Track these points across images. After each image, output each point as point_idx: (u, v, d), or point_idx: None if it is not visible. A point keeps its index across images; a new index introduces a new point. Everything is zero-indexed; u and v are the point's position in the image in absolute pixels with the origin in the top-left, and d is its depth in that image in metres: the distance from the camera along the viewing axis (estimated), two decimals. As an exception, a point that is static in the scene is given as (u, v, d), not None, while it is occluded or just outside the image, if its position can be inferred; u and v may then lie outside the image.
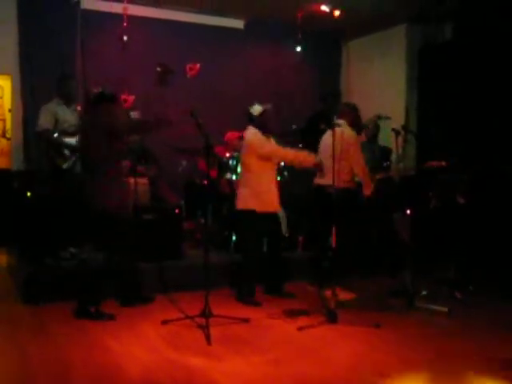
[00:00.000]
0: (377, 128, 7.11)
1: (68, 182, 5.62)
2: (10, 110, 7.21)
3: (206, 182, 5.97)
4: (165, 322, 4.63)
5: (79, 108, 6.04)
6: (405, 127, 5.69)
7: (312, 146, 5.97)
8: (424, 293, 5.54)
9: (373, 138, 7.17)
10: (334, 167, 4.87)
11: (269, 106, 5.49)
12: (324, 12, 7.62)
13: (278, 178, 5.59)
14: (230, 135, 6.91)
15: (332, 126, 4.97)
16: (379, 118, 5.61)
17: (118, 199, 4.80)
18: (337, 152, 4.94)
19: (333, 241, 4.82)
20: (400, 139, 5.40)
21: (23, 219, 6.03)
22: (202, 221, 6.76)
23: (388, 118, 5.65)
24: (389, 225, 6.43)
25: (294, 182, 6.48)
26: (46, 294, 5.16)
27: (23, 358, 3.95)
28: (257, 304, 5.30)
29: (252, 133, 5.42)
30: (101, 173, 4.77)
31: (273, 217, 5.47)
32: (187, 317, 4.73)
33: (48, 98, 5.91)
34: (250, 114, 5.43)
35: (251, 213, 5.37)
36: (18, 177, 6.68)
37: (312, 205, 6.08)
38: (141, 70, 7.03)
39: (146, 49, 7.39)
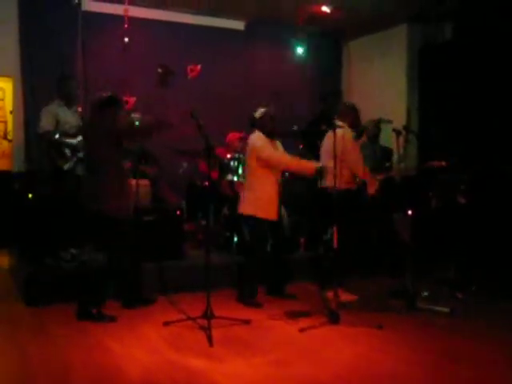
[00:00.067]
0: (378, 128, 7.10)
1: (69, 183, 5.63)
2: (11, 112, 7.21)
3: (207, 184, 5.97)
4: (166, 324, 4.63)
5: (80, 109, 6.05)
6: (406, 127, 5.68)
7: (313, 147, 5.97)
8: (425, 293, 5.54)
9: (374, 138, 7.17)
10: (335, 168, 4.87)
11: (268, 109, 5.50)
12: (324, 12, 7.63)
13: (280, 179, 5.56)
14: (231, 136, 6.93)
15: (333, 128, 4.97)
16: (380, 121, 5.59)
17: (119, 201, 4.81)
18: (338, 153, 4.94)
19: (334, 241, 4.82)
20: (401, 139, 5.40)
21: (24, 220, 6.04)
22: (204, 222, 6.77)
23: (389, 121, 5.62)
24: (389, 225, 6.43)
25: (294, 182, 6.47)
26: (47, 295, 5.17)
27: (23, 358, 3.95)
28: (258, 305, 5.30)
29: (255, 136, 5.44)
30: (104, 174, 4.78)
31: (274, 222, 5.47)
32: (189, 318, 4.73)
33: (48, 99, 5.91)
34: (253, 118, 5.45)
35: (252, 218, 5.40)
36: (19, 178, 6.69)
37: (313, 205, 6.09)
38: (141, 71, 7.04)
39: (147, 50, 7.40)
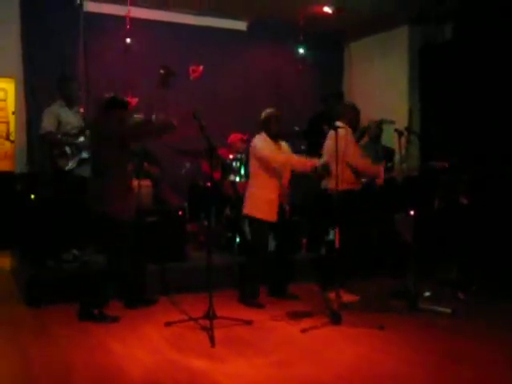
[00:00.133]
0: (379, 129, 7.10)
1: (71, 184, 5.63)
2: (13, 113, 7.22)
3: (209, 184, 5.97)
4: (168, 324, 4.64)
5: (82, 110, 6.06)
6: (408, 128, 5.68)
7: (315, 147, 5.96)
8: (427, 294, 5.54)
9: (376, 138, 7.16)
10: (336, 169, 4.88)
11: (272, 110, 5.51)
12: (326, 13, 7.64)
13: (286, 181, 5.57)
14: (234, 137, 6.93)
15: (335, 128, 4.98)
16: (382, 122, 5.59)
17: (124, 203, 4.80)
18: (340, 153, 4.94)
19: (336, 242, 4.82)
20: (403, 140, 5.40)
21: (26, 221, 6.05)
22: (206, 223, 6.77)
23: (392, 122, 5.62)
24: (391, 225, 6.43)
25: (295, 182, 6.47)
26: (48, 296, 5.18)
27: (25, 359, 3.96)
28: (260, 306, 5.30)
29: (258, 137, 5.47)
30: (109, 176, 4.78)
31: (276, 224, 5.47)
32: (191, 319, 4.73)
33: (50, 100, 5.92)
34: (260, 120, 5.49)
35: (253, 219, 5.43)
36: (22, 179, 6.69)
37: (314, 206, 6.09)
38: (143, 72, 7.04)
39: (149, 51, 7.40)
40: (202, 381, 3.64)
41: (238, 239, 6.48)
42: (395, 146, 6.06)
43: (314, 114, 7.53)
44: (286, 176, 5.53)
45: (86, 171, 5.60)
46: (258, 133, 5.51)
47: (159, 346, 4.24)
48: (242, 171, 6.39)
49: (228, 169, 6.55)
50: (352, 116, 5.73)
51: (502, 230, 6.27)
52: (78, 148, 5.71)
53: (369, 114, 6.73)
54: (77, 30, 7.13)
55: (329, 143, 5.52)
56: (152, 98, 6.49)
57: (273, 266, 5.63)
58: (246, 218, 5.62)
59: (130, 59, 7.11)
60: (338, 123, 5.31)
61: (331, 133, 5.35)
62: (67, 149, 5.67)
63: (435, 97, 7.76)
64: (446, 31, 7.92)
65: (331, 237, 5.42)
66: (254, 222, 5.44)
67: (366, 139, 6.87)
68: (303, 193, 6.52)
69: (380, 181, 5.61)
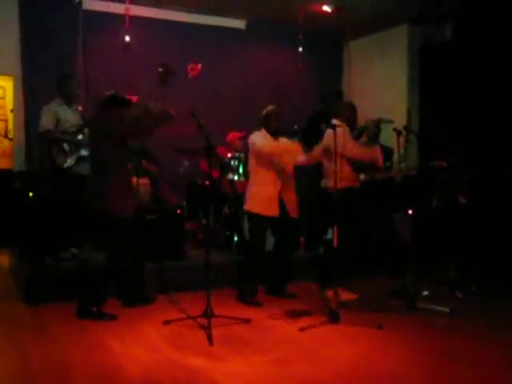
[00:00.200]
0: (378, 128, 7.09)
1: (69, 182, 5.63)
2: (11, 111, 7.21)
3: (207, 183, 5.97)
4: (166, 323, 4.64)
5: (80, 108, 6.06)
6: (406, 127, 5.68)
7: (314, 146, 5.96)
8: (425, 293, 5.54)
9: (374, 138, 7.13)
10: (335, 167, 4.88)
11: (273, 107, 5.53)
12: (325, 12, 7.64)
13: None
14: (232, 136, 6.93)
15: (332, 126, 4.99)
16: (381, 121, 5.59)
17: (124, 200, 4.80)
18: (338, 151, 4.95)
19: (334, 241, 4.82)
20: (402, 139, 5.40)
21: (24, 219, 6.04)
22: (204, 221, 6.77)
23: (391, 121, 5.63)
24: (389, 225, 6.43)
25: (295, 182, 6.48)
26: (47, 294, 5.18)
27: (23, 358, 3.95)
28: (258, 304, 5.31)
29: (257, 133, 5.48)
30: (109, 174, 4.78)
31: (276, 219, 5.47)
32: (189, 317, 4.73)
33: (49, 99, 5.92)
34: (260, 116, 5.51)
35: (252, 214, 5.44)
36: (20, 177, 6.68)
37: (313, 205, 6.09)
38: (142, 70, 7.02)
39: (148, 49, 7.39)
40: (199, 379, 3.64)
41: (236, 238, 6.48)
42: (394, 146, 6.06)
43: (313, 112, 7.53)
44: (291, 163, 5.52)
45: (84, 169, 5.61)
46: (259, 129, 5.52)
47: (157, 344, 4.24)
48: (241, 170, 6.39)
49: (226, 167, 6.55)
50: (349, 114, 5.75)
51: (502, 230, 6.28)
52: (77, 146, 5.71)
53: (368, 113, 6.72)
54: (76, 29, 7.11)
55: (326, 141, 5.52)
56: (151, 97, 6.48)
57: (271, 265, 5.63)
58: (246, 214, 5.66)
59: (129, 57, 7.10)
60: (335, 121, 5.33)
61: (329, 131, 5.36)
62: (65, 146, 5.66)
63: (435, 97, 7.76)
64: (446, 31, 7.91)
65: (329, 236, 5.43)
66: (253, 217, 5.46)
67: (364, 139, 6.85)
68: (302, 191, 6.52)
69: (379, 164, 5.60)
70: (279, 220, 5.44)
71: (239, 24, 8.42)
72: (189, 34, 7.87)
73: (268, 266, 5.61)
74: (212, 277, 4.72)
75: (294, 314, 4.99)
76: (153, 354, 4.04)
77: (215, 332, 4.33)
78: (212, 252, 5.05)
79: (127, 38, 7.13)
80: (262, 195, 5.39)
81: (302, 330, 4.57)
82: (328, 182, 5.37)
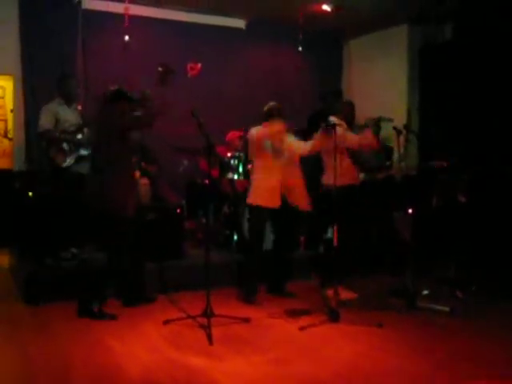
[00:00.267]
0: (378, 127, 7.09)
1: (69, 182, 5.62)
2: (11, 111, 7.20)
3: (207, 182, 5.97)
4: (166, 322, 4.64)
5: (80, 107, 6.06)
6: (406, 126, 5.68)
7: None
8: (425, 292, 5.54)
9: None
10: (335, 165, 4.88)
11: (274, 103, 5.57)
12: (325, 11, 7.64)
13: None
14: (232, 135, 6.92)
15: (331, 125, 4.99)
16: (380, 119, 5.59)
17: (125, 199, 4.79)
18: (339, 149, 4.96)
19: (334, 239, 4.82)
20: (402, 138, 5.40)
21: (24, 219, 6.04)
22: (204, 220, 6.77)
23: (390, 120, 5.63)
24: (390, 223, 6.43)
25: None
26: (47, 294, 5.17)
27: (24, 357, 3.96)
28: (258, 304, 5.30)
29: (256, 128, 5.49)
30: (111, 172, 4.77)
31: (277, 211, 5.47)
32: (189, 316, 4.73)
33: (49, 98, 5.92)
34: (262, 112, 5.54)
35: (252, 207, 5.45)
36: (20, 177, 6.68)
37: (313, 203, 6.08)
38: (142, 69, 7.01)
39: (147, 49, 7.38)
40: (199, 378, 3.64)
41: (235, 237, 6.48)
42: (394, 145, 6.06)
43: (312, 111, 7.53)
44: (296, 152, 5.53)
45: (84, 168, 5.62)
46: (261, 124, 5.52)
47: (157, 343, 4.24)
48: (241, 169, 6.39)
49: (226, 167, 6.55)
50: (347, 111, 5.76)
51: (502, 230, 6.27)
52: (76, 145, 5.71)
53: (368, 113, 6.70)
54: (75, 28, 7.12)
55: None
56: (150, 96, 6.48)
57: (271, 264, 5.63)
58: (247, 207, 5.66)
59: (129, 57, 7.10)
60: (333, 118, 5.33)
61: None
62: (65, 145, 5.66)
63: (435, 97, 7.76)
64: (446, 31, 7.91)
65: (329, 235, 5.42)
66: (253, 209, 5.47)
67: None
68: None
69: (374, 145, 5.57)
70: (280, 212, 5.44)
71: (239, 23, 8.42)
72: (188, 33, 7.86)
73: (268, 265, 5.61)
74: (212, 276, 4.72)
75: (293, 313, 4.99)
76: (153, 353, 4.04)
77: (215, 331, 4.33)
78: (212, 251, 5.05)
79: (127, 38, 7.13)
80: (263, 187, 5.40)
81: (301, 328, 4.57)
82: (328, 179, 5.36)
